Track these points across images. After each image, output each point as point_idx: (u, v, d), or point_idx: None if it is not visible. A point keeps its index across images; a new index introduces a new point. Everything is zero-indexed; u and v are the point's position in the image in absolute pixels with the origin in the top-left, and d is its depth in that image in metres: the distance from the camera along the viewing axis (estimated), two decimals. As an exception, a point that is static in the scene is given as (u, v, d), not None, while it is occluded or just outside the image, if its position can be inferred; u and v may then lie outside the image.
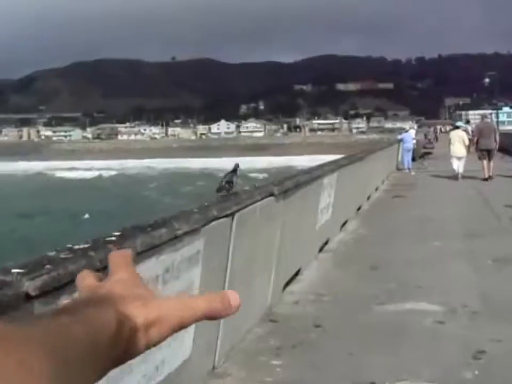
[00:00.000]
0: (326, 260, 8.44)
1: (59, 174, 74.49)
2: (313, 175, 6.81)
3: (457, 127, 22.14)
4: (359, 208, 13.18)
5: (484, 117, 22.33)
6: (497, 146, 19.45)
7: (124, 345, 0.53)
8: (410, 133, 25.37)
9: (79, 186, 53.86)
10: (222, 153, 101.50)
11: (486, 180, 18.47)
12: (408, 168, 23.85)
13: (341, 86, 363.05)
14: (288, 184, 5.73)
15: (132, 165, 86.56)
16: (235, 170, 5.28)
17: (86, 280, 0.62)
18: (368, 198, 14.92)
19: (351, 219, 11.71)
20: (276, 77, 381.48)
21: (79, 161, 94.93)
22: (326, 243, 9.22)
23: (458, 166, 19.51)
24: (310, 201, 7.33)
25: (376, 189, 17.02)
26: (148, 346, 0.56)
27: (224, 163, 69.42)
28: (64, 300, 2.15)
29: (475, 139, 19.48)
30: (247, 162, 78.93)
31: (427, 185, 18.27)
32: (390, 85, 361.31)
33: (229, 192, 5.00)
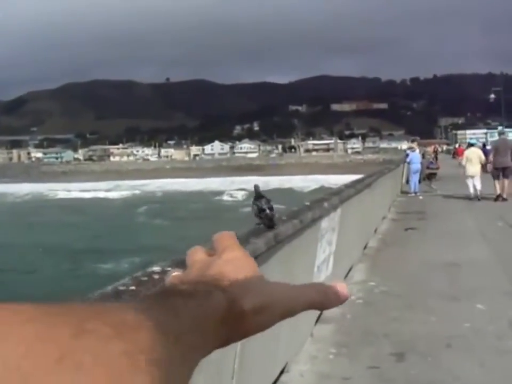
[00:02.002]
0: (325, 339, 5.70)
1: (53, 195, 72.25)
2: (305, 220, 4.10)
3: (472, 145, 20.44)
4: (365, 246, 10.50)
5: (501, 133, 20.06)
6: None
7: (230, 329, 0.52)
8: (417, 153, 22.73)
9: (65, 206, 51.29)
10: (215, 174, 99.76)
11: (497, 198, 17.49)
12: (415, 192, 21.20)
13: (335, 107, 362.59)
14: (257, 246, 3.01)
15: (126, 186, 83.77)
16: (261, 193, 3.09)
17: (196, 254, 0.63)
18: (375, 231, 12.23)
19: (356, 263, 9.01)
20: (271, 97, 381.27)
21: (69, 183, 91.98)
22: (325, 306, 6.50)
23: (474, 185, 18.17)
24: (300, 261, 4.63)
25: (383, 218, 14.34)
26: (255, 331, 0.55)
27: (218, 183, 68.23)
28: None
29: (491, 156, 18.19)
30: (242, 183, 77.47)
31: (441, 213, 15.60)
32: (384, 105, 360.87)
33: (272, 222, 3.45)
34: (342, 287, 0.59)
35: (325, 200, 5.20)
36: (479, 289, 7.32)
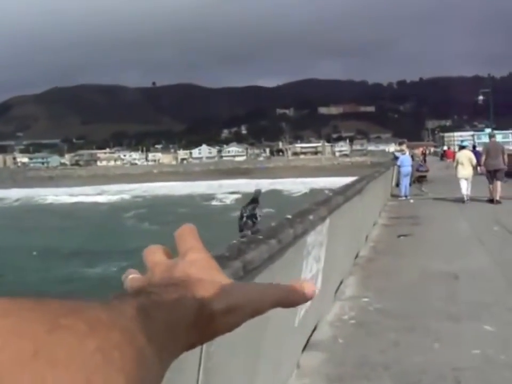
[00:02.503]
0: (314, 370, 4.92)
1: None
2: (285, 238, 3.34)
3: (463, 147, 20.00)
4: (356, 255, 9.75)
5: (491, 136, 19.77)
6: (505, 166, 17.63)
7: (201, 330, 0.53)
8: (408, 155, 22.03)
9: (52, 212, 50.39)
10: (203, 178, 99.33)
11: (491, 201, 17.04)
12: (406, 196, 20.50)
13: (323, 110, 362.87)
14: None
15: (114, 190, 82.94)
16: (256, 199, 3.46)
17: (155, 255, 0.62)
18: (366, 238, 11.48)
19: (347, 276, 8.24)
20: (258, 101, 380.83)
21: (57, 188, 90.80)
22: (313, 329, 5.75)
23: (467, 188, 17.83)
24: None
25: (374, 224, 13.60)
26: (223, 332, 0.55)
27: (206, 187, 68.29)
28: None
29: (482, 159, 17.81)
30: (231, 186, 77.03)
31: (434, 217, 14.88)
32: (372, 108, 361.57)
33: (254, 228, 3.25)
34: (308, 285, 0.59)
35: (311, 212, 4.42)
36: (483, 305, 6.58)
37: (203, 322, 0.52)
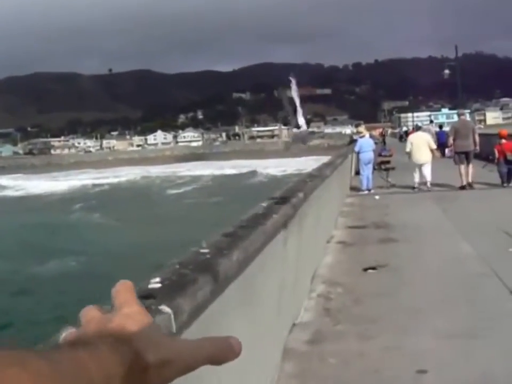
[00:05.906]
0: None
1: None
2: None
3: (419, 128, 18.62)
4: (292, 326, 5.31)
5: (460, 114, 17.71)
6: (477, 148, 15.87)
7: (134, 382, 0.53)
8: (368, 138, 17.67)
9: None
10: (159, 163, 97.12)
11: (463, 188, 15.48)
12: (368, 189, 16.26)
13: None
14: None
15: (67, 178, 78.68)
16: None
17: (90, 312, 0.63)
18: (313, 278, 7.03)
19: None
20: (214, 86, 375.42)
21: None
22: None
23: (423, 174, 16.15)
24: None
25: (328, 241, 9.21)
26: None
27: (162, 171, 68.02)
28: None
29: (450, 140, 16.32)
30: (189, 170, 75.21)
31: (412, 225, 10.54)
32: (328, 91, 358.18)
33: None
34: (235, 341, 0.61)
35: None
36: None
37: (137, 374, 0.53)
